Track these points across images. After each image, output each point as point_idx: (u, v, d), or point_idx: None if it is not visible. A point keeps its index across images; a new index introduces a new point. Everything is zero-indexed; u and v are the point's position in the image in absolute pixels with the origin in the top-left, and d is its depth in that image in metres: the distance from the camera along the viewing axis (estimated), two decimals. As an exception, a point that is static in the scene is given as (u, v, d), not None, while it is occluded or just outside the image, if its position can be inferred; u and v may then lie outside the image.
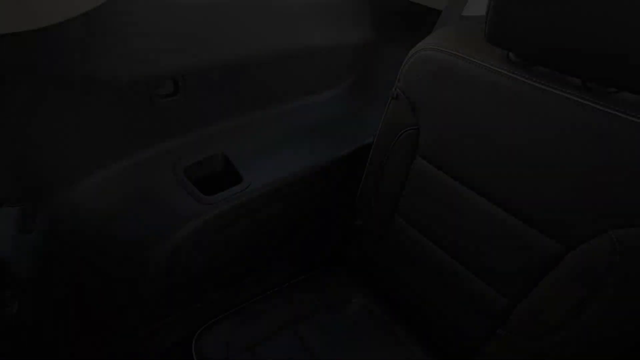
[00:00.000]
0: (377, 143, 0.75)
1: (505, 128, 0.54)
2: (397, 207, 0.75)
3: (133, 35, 0.58)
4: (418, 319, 0.81)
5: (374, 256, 0.86)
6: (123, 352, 0.76)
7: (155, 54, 0.61)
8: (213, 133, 0.77)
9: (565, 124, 0.48)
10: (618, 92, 0.46)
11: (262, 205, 0.75)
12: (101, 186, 0.64)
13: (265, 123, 0.85)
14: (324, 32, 0.85)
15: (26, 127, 0.54)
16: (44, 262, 0.62)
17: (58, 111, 0.55)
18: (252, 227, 0.78)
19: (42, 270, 0.62)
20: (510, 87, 0.53)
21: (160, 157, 0.71)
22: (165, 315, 0.79)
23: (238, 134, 0.80)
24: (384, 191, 0.76)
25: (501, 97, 0.54)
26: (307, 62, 0.86)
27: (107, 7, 0.51)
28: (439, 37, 0.62)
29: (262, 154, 0.79)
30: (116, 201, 0.65)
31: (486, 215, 0.60)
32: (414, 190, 0.71)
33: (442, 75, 0.60)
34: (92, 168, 0.63)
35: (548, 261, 0.54)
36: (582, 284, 0.51)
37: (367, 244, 0.88)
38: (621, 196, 0.45)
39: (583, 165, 0.48)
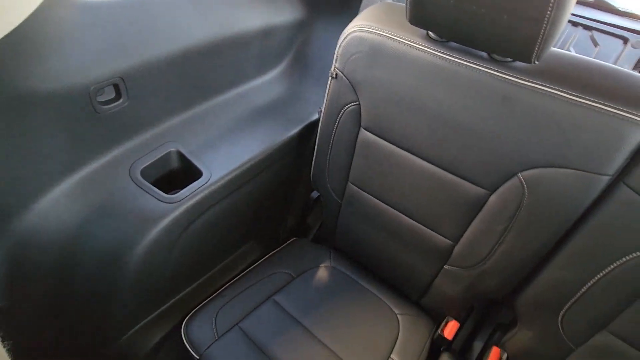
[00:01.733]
0: (324, 119, 0.81)
1: (431, 97, 0.63)
2: (349, 175, 0.83)
3: (64, 45, 0.56)
4: (380, 270, 0.92)
5: (334, 222, 0.95)
6: (113, 355, 0.79)
7: (89, 61, 0.60)
8: (164, 131, 0.78)
9: (477, 90, 0.58)
10: (513, 62, 0.55)
11: (224, 194, 0.79)
12: (60, 203, 0.64)
13: (214, 113, 0.86)
14: (257, 15, 0.86)
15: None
16: (13, 291, 0.62)
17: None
18: (219, 216, 0.82)
19: (13, 298, 0.62)
20: (432, 61, 0.61)
21: (114, 163, 0.70)
22: (150, 313, 0.82)
23: (189, 129, 0.81)
24: (335, 163, 0.84)
25: (425, 70, 0.62)
26: (245, 46, 0.87)
27: (32, 20, 0.49)
28: (367, 19, 0.67)
29: (216, 145, 0.82)
30: (78, 215, 0.65)
31: (425, 174, 0.69)
32: (361, 159, 0.78)
33: (373, 55, 0.66)
34: (46, 187, 0.62)
35: (476, 205, 0.66)
36: (501, 219, 0.63)
37: (327, 212, 0.96)
38: (524, 147, 0.57)
39: (493, 124, 0.58)
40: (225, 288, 0.87)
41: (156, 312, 0.84)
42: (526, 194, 0.59)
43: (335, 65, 0.73)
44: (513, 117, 0.56)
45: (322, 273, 0.93)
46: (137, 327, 0.80)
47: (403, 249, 0.82)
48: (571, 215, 0.57)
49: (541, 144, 0.55)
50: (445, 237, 0.74)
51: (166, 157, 0.77)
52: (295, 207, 1.09)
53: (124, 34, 0.63)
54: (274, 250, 0.99)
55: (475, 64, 0.57)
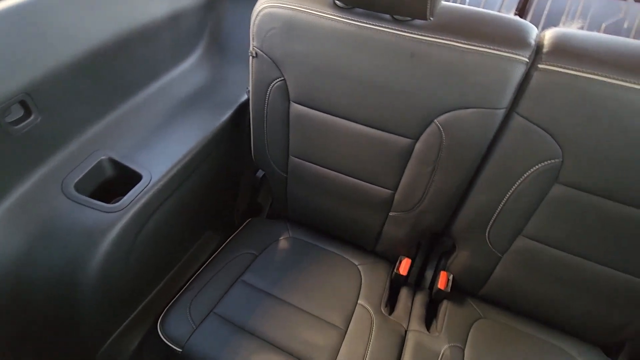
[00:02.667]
0: (253, 99, 0.82)
1: (348, 63, 0.67)
2: (289, 149, 0.86)
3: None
4: (335, 230, 1.00)
5: (284, 196, 0.99)
6: None
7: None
8: (89, 140, 0.74)
9: (387, 50, 0.63)
10: (413, 20, 0.61)
11: (170, 191, 0.78)
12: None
13: (138, 112, 0.83)
14: (160, 2, 0.82)
15: None
16: None
17: None
18: (170, 214, 0.82)
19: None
20: (342, 28, 0.64)
21: (42, 184, 0.67)
22: (122, 321, 0.82)
23: (116, 132, 0.78)
24: (273, 139, 0.86)
25: (338, 38, 0.65)
26: (155, 37, 0.83)
27: None
28: None
29: (149, 144, 0.80)
30: (18, 245, 0.62)
31: (357, 135, 0.75)
32: (297, 131, 0.82)
33: (288, 29, 0.68)
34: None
35: (406, 154, 0.74)
36: (427, 162, 0.72)
37: (275, 188, 1.00)
38: (434, 95, 0.64)
39: (406, 79, 0.64)
40: (192, 281, 0.88)
41: (129, 319, 0.84)
42: (443, 136, 0.67)
43: (253, 44, 0.74)
44: (421, 71, 0.62)
45: (283, 245, 0.98)
46: (112, 338, 0.80)
47: (351, 206, 0.90)
48: (481, 147, 0.67)
49: (447, 90, 0.62)
50: (385, 188, 0.81)
51: (98, 167, 0.74)
52: (244, 189, 1.10)
53: (16, 46, 0.58)
54: (232, 235, 1.02)
55: (381, 26, 0.62)
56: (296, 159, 0.87)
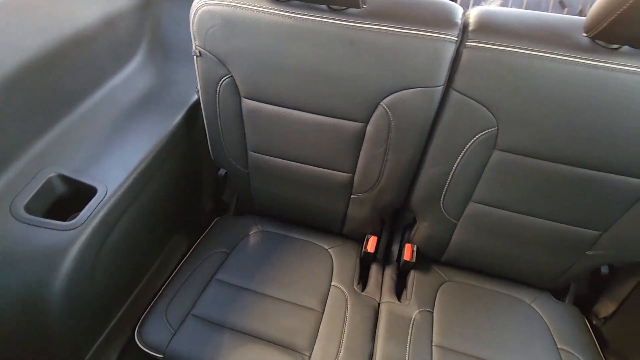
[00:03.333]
0: (204, 98, 0.82)
1: (292, 55, 0.68)
2: (246, 145, 0.87)
3: None
4: (302, 218, 1.02)
5: (248, 192, 1.00)
6: None
7: None
8: (35, 157, 0.71)
9: (327, 39, 0.65)
10: (348, 9, 0.63)
11: (129, 201, 0.77)
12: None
13: (85, 123, 0.80)
14: (92, 6, 0.79)
15: None
16: None
17: None
18: (133, 224, 0.81)
19: None
20: (282, 22, 0.66)
21: (-12, 210, 0.64)
22: (98, 337, 0.81)
23: (63, 147, 0.75)
24: (229, 136, 0.87)
25: (278, 31, 0.66)
26: (91, 43, 0.80)
27: None
28: None
29: (101, 155, 0.78)
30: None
31: (310, 124, 0.77)
32: (251, 126, 0.83)
33: (228, 26, 0.68)
34: None
35: (359, 138, 0.77)
36: (379, 143, 0.75)
37: (238, 184, 1.00)
38: (378, 79, 0.67)
39: (349, 66, 0.67)
40: (166, 286, 0.88)
41: (104, 334, 0.83)
42: (391, 117, 0.71)
43: (195, 44, 0.73)
44: (362, 57, 0.65)
45: (254, 239, 1.00)
46: (89, 355, 0.79)
47: (315, 194, 0.92)
48: (426, 124, 0.71)
49: (388, 73, 0.65)
50: (344, 172, 0.85)
51: (48, 185, 0.71)
52: (207, 189, 1.10)
53: None
54: (200, 236, 1.02)
55: (318, 17, 0.64)
56: (255, 154, 0.88)
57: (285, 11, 0.64)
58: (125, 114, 0.86)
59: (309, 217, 1.01)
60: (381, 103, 0.70)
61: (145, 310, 0.84)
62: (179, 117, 0.88)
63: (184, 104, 0.90)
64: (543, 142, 0.65)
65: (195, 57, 0.75)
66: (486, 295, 0.90)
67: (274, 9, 0.65)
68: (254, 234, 1.01)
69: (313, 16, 0.64)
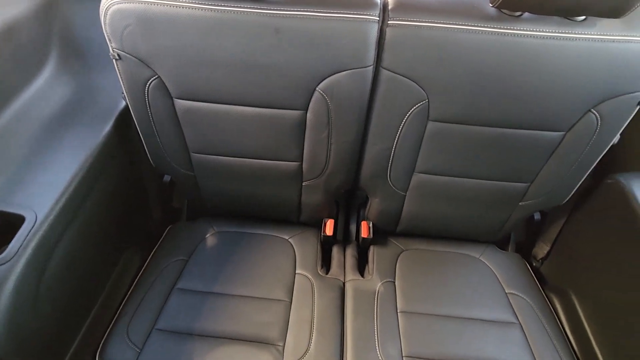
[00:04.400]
0: (132, 103, 0.77)
1: (220, 48, 0.66)
2: (187, 147, 0.84)
3: None
4: (258, 212, 1.02)
5: (197, 194, 0.97)
6: None
7: None
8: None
9: (252, 29, 0.63)
10: None
11: (65, 224, 0.72)
12: None
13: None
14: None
15: None
16: None
17: None
18: (75, 246, 0.75)
19: None
20: (204, 15, 0.63)
21: None
22: None
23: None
24: (167, 141, 0.83)
25: (202, 26, 0.64)
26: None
27: None
28: None
29: (24, 179, 0.71)
30: None
31: (248, 117, 0.76)
32: (189, 126, 0.80)
33: (145, 24, 0.64)
34: None
35: (300, 125, 0.77)
36: (321, 128, 0.76)
37: (186, 189, 0.97)
38: (310, 65, 0.67)
39: (278, 54, 0.66)
40: (124, 305, 0.84)
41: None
42: (328, 101, 0.72)
43: (112, 46, 0.68)
44: (290, 44, 0.65)
45: (211, 242, 0.98)
46: None
47: (266, 186, 0.92)
48: (362, 104, 0.73)
49: (319, 58, 0.66)
50: (291, 161, 0.85)
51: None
52: (154, 198, 1.05)
53: None
54: (154, 247, 0.98)
55: (240, 7, 0.62)
56: (198, 155, 0.85)
57: (206, 4, 0.62)
58: (44, 131, 0.79)
59: (264, 210, 1.01)
60: (317, 89, 0.70)
61: (105, 334, 0.79)
62: (107, 128, 0.82)
63: (111, 113, 0.84)
64: (467, 108, 0.70)
65: (114, 60, 0.70)
66: (440, 257, 0.97)
67: (193, 3, 0.62)
68: (211, 236, 0.99)
69: (235, 7, 0.62)
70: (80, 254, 0.78)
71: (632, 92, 0.65)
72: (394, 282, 0.90)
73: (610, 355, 0.78)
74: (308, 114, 0.75)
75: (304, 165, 0.85)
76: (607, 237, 0.81)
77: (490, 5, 0.59)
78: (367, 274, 0.94)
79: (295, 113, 0.75)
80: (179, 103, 0.75)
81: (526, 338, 0.81)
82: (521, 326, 0.83)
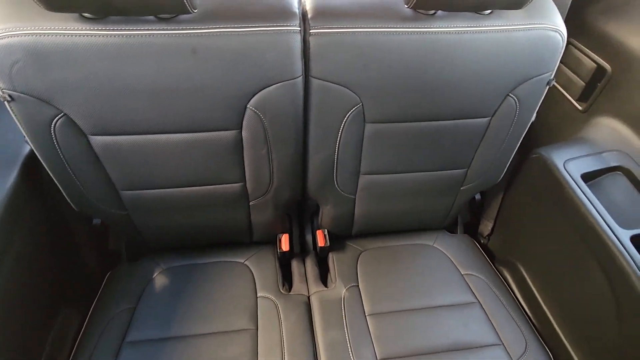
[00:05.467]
0: (36, 147, 0.67)
1: (131, 76, 0.59)
2: (114, 185, 0.76)
3: None
4: (207, 241, 0.96)
5: (135, 232, 0.89)
6: None
7: None
8: None
9: (165, 53, 0.58)
10: (178, 16, 0.57)
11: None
12: None
13: None
14: None
15: None
16: None
17: None
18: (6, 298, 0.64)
19: None
20: (105, 42, 0.56)
21: None
22: None
23: None
24: (87, 182, 0.74)
25: (103, 53, 0.56)
26: None
27: None
28: None
29: None
30: None
31: (181, 144, 0.70)
32: (113, 163, 0.72)
33: (37, 58, 0.55)
34: None
35: (236, 145, 0.73)
36: (260, 144, 0.73)
37: (120, 228, 0.88)
38: (236, 82, 0.63)
39: (202, 74, 0.61)
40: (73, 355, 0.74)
41: None
42: (262, 117, 0.69)
43: (0, 87, 0.58)
44: (210, 64, 0.60)
45: (160, 281, 0.90)
46: None
47: (211, 212, 0.86)
48: (297, 115, 0.71)
49: (244, 75, 0.63)
50: (235, 183, 0.80)
51: None
52: (85, 245, 0.94)
53: None
54: (94, 299, 0.87)
55: (148, 29, 0.57)
56: (128, 192, 0.78)
57: (105, 29, 0.56)
58: None
59: (213, 237, 0.95)
60: (248, 106, 0.67)
61: None
62: (12, 178, 0.71)
63: (14, 161, 0.73)
64: (399, 107, 0.72)
65: (6, 103, 0.60)
66: (397, 251, 0.99)
67: (90, 30, 0.55)
68: (159, 276, 0.91)
69: (141, 30, 0.56)
70: (7, 319, 0.67)
71: (541, 74, 0.71)
72: (358, 286, 0.90)
73: (559, 316, 0.85)
74: (243, 133, 0.71)
75: (248, 185, 0.81)
76: (539, 207, 0.88)
77: (406, 6, 0.61)
78: (330, 283, 0.93)
79: (229, 133, 0.71)
80: (95, 140, 0.67)
81: (487, 314, 0.85)
82: (480, 304, 0.87)
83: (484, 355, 0.79)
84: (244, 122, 0.69)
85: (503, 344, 0.80)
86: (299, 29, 0.61)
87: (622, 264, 0.66)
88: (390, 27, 0.62)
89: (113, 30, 0.56)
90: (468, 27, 0.63)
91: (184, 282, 0.89)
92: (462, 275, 0.93)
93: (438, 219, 1.01)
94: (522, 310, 0.88)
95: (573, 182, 0.77)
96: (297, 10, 0.61)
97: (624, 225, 0.70)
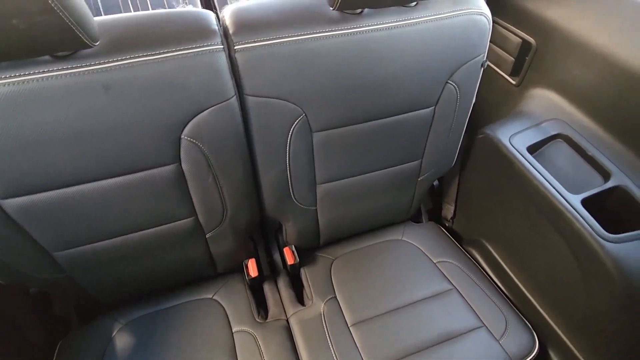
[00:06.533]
0: None
1: (39, 125, 0.52)
2: (44, 247, 0.66)
3: None
4: (167, 284, 0.88)
5: (83, 291, 0.79)
6: None
7: None
8: None
9: (71, 95, 0.51)
10: (76, 52, 0.50)
11: None
12: None
13: None
14: None
15: None
16: None
17: None
18: None
19: None
20: (5, 91, 0.48)
21: None
22: None
23: None
24: (11, 250, 0.64)
25: (5, 103, 0.49)
26: None
27: None
28: None
29: None
30: None
31: (114, 189, 0.62)
32: (40, 224, 0.63)
33: None
34: None
35: (179, 180, 0.66)
36: (202, 176, 0.67)
37: (64, 291, 0.78)
38: (164, 113, 0.57)
39: (121, 113, 0.54)
40: None
41: None
42: (200, 146, 0.63)
43: None
44: (129, 98, 0.54)
45: (122, 339, 0.81)
46: None
47: (166, 254, 0.79)
48: (238, 136, 0.66)
49: (172, 103, 0.57)
50: (185, 218, 0.74)
51: None
52: (25, 317, 0.83)
53: None
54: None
55: (43, 72, 0.49)
56: (63, 253, 0.68)
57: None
58: None
59: (173, 278, 0.87)
60: (182, 136, 0.61)
61: None
62: None
63: None
64: (343, 111, 0.69)
65: None
66: (368, 252, 0.97)
67: None
68: (120, 333, 0.82)
69: (36, 74, 0.49)
70: None
71: (474, 58, 0.71)
72: (336, 297, 0.87)
73: (531, 286, 0.87)
74: (183, 165, 0.65)
75: (201, 218, 0.75)
76: (493, 184, 0.90)
77: (331, 8, 0.58)
78: (307, 300, 0.89)
79: (168, 168, 0.64)
80: (9, 203, 0.58)
81: (464, 299, 0.86)
82: (457, 290, 0.87)
83: (469, 340, 0.79)
84: (182, 154, 0.63)
85: (485, 325, 0.81)
86: (222, 46, 0.56)
87: (578, 228, 0.69)
88: (318, 32, 0.59)
89: (3, 78, 0.48)
90: (396, 21, 0.62)
91: (149, 333, 0.81)
92: (434, 264, 0.93)
93: (402, 212, 1.01)
94: (496, 287, 0.90)
95: (521, 156, 0.79)
96: (216, 27, 0.56)
97: (574, 190, 0.73)
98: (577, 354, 0.77)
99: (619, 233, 0.67)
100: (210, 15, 0.57)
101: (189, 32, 0.55)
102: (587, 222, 0.68)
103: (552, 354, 0.83)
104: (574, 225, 0.70)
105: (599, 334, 0.72)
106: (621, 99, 0.73)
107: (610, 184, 0.72)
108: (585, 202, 0.71)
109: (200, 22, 0.56)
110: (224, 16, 0.59)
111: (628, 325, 0.67)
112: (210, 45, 0.55)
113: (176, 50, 0.53)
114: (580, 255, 0.70)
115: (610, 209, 0.73)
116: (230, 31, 0.57)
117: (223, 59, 0.57)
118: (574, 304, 0.75)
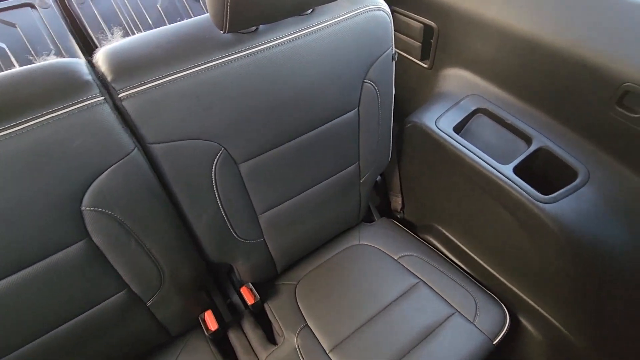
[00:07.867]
0: None
1: None
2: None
3: None
4: None
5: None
6: None
7: None
8: None
9: None
10: None
11: None
12: None
13: None
14: None
15: None
16: None
17: None
18: None
19: None
20: None
21: None
22: None
23: None
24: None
25: None
26: None
27: None
28: None
29: None
30: None
31: (15, 288, 0.51)
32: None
33: None
34: None
35: (94, 256, 0.57)
36: (125, 243, 0.58)
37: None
38: (55, 186, 0.48)
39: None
40: None
41: None
42: (109, 212, 0.54)
43: None
44: (12, 176, 0.44)
45: None
46: None
47: (107, 338, 0.68)
48: (154, 189, 0.58)
49: (63, 173, 0.48)
50: (116, 293, 0.64)
51: None
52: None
53: None
54: None
55: None
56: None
57: None
58: None
59: (122, 357, 0.76)
60: (83, 208, 0.52)
61: None
62: None
63: None
64: (265, 135, 0.64)
65: None
66: (329, 265, 0.93)
67: None
68: None
69: None
70: None
71: (383, 53, 0.70)
72: (308, 325, 0.82)
73: (491, 261, 0.89)
74: (94, 239, 0.55)
75: (135, 289, 0.65)
76: (430, 168, 0.91)
77: (222, 32, 0.52)
78: (278, 337, 0.83)
79: (77, 247, 0.54)
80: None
81: (432, 289, 0.85)
82: (423, 281, 0.87)
83: (446, 330, 0.78)
84: (89, 228, 0.54)
85: (457, 310, 0.81)
86: (102, 98, 0.48)
87: (516, 196, 0.71)
88: (214, 60, 0.53)
89: None
90: (295, 32, 0.58)
91: None
92: (396, 260, 0.92)
93: (353, 216, 0.98)
94: (459, 269, 0.91)
95: (449, 137, 0.80)
96: (89, 77, 0.48)
97: (503, 159, 0.75)
98: (544, 313, 0.80)
99: (551, 192, 0.70)
100: (79, 64, 0.48)
101: (57, 88, 0.46)
102: (522, 189, 0.70)
103: (523, 320, 0.86)
104: (512, 195, 0.72)
105: (557, 289, 0.75)
106: (522, 65, 0.76)
107: (533, 147, 0.75)
108: (516, 170, 0.73)
109: (67, 74, 0.47)
110: (97, 61, 0.50)
111: (578, 274, 0.70)
112: (87, 99, 0.47)
113: (46, 114, 0.44)
114: (524, 221, 0.73)
115: (538, 170, 0.76)
116: (109, 78, 0.49)
117: (108, 111, 0.48)
118: (529, 267, 0.78)
